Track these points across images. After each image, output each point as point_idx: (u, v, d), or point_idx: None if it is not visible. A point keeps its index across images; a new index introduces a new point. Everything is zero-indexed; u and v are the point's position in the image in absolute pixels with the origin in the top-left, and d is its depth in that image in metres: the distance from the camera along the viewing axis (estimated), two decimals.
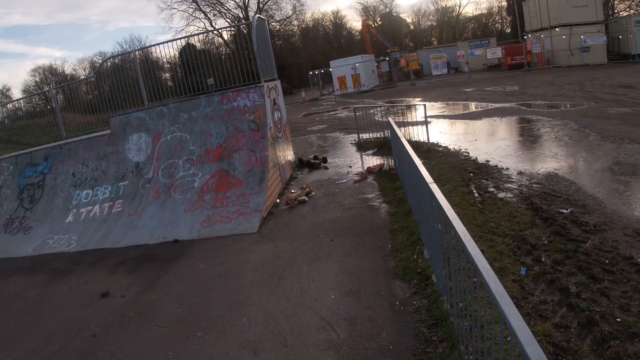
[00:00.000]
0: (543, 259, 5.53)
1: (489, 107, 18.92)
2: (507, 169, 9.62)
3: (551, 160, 9.97)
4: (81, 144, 11.24)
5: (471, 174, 9.40)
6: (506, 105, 18.98)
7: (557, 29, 39.56)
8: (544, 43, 40.34)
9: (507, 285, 4.84)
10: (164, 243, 8.63)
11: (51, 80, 63.74)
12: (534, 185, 8.42)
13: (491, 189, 8.39)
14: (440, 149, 12.16)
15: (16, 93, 64.53)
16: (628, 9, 54.73)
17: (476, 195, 8.13)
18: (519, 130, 13.91)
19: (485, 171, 9.60)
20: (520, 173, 9.23)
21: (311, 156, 13.12)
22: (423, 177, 4.95)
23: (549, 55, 40.33)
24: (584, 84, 23.48)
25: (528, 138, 12.61)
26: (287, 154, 11.81)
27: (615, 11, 53.63)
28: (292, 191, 10.26)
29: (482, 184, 8.70)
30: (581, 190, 7.86)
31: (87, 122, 13.32)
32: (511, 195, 7.99)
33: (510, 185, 8.55)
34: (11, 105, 15.91)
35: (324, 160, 12.64)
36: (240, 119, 10.18)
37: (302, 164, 12.57)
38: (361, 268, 6.00)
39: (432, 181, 4.70)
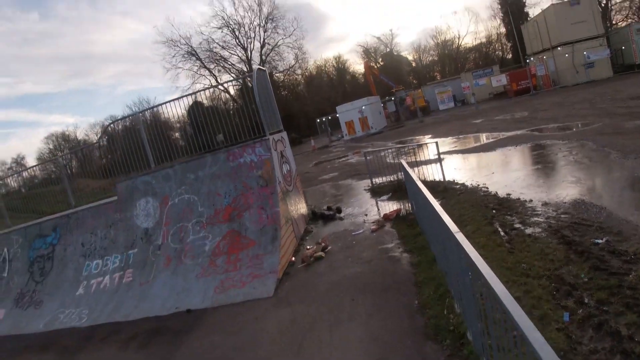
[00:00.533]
0: (586, 300, 5.02)
1: (501, 137, 18.52)
2: (531, 201, 9.11)
3: (575, 186, 9.50)
4: (89, 213, 11.07)
5: (493, 211, 8.88)
6: (518, 132, 18.59)
7: (559, 49, 39.65)
8: (547, 64, 40.30)
9: (552, 337, 4.34)
10: (177, 314, 8.21)
11: (64, 146, 65.34)
12: (562, 215, 7.91)
13: (517, 225, 7.87)
14: (458, 186, 11.67)
15: (30, 161, 66.33)
16: (626, 18, 55.04)
17: (502, 234, 7.61)
18: (535, 157, 13.43)
19: (507, 206, 9.08)
20: (545, 204, 8.72)
21: (325, 207, 12.68)
22: (447, 227, 4.51)
23: (554, 76, 40.25)
24: (594, 101, 23.18)
25: (547, 165, 12.15)
26: (300, 207, 11.42)
27: (613, 22, 53.79)
28: (308, 247, 9.80)
29: (506, 221, 8.18)
30: (613, 216, 7.35)
31: (100, 187, 13.24)
32: (539, 229, 7.47)
33: (536, 218, 8.04)
34: (27, 174, 15.95)
35: (338, 210, 12.17)
36: (248, 175, 9.89)
37: (315, 216, 12.13)
38: (387, 330, 5.48)
39: (458, 230, 4.25)
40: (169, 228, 9.98)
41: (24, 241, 11.47)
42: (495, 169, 12.91)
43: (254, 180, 9.82)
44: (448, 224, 4.52)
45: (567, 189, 9.45)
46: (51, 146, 69.78)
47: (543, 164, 12.36)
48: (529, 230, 7.53)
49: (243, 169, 9.96)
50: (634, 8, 55.47)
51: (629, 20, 53.20)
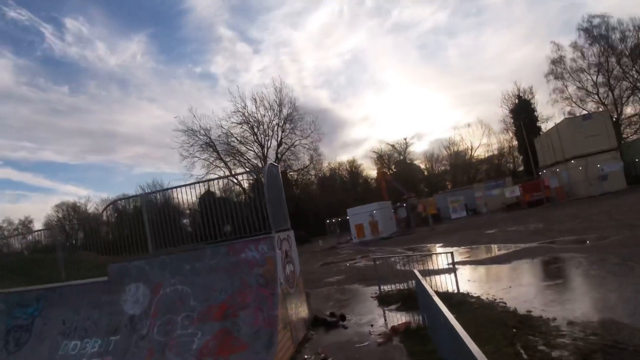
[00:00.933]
0: None
1: (517, 249, 17.76)
2: (554, 319, 8.27)
3: (601, 303, 8.78)
4: (75, 289, 10.47)
5: (514, 330, 7.98)
6: (534, 244, 17.87)
7: (572, 161, 39.99)
8: (561, 176, 40.42)
9: None
10: None
11: (73, 217, 65.72)
12: (591, 337, 7.11)
13: (542, 348, 6.99)
14: (473, 300, 10.74)
15: (37, 226, 67.19)
16: (636, 132, 56.49)
17: (525, 357, 6.73)
18: (555, 271, 12.70)
19: (529, 325, 8.18)
20: (570, 323, 7.90)
21: (327, 313, 11.75)
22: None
23: (568, 188, 40.17)
24: (611, 213, 22.80)
25: (568, 280, 11.45)
26: (300, 311, 10.55)
27: (623, 135, 54.75)
28: (305, 357, 8.81)
29: (529, 342, 7.29)
30: None
31: (99, 263, 12.80)
32: (567, 353, 6.64)
33: (562, 340, 7.20)
34: (31, 237, 15.78)
35: (342, 317, 11.19)
36: (248, 272, 9.24)
37: (317, 321, 11.16)
38: None
39: None
40: (156, 319, 9.24)
41: (4, 307, 10.81)
42: (512, 283, 12.07)
43: (254, 278, 9.18)
44: (477, 356, 3.74)
45: (593, 306, 8.74)
46: (60, 215, 71.14)
47: (564, 278, 11.66)
48: (555, 353, 6.70)
49: (243, 266, 9.35)
50: None
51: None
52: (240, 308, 8.86)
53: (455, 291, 11.38)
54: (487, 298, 10.69)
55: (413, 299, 10.83)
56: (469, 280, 13.34)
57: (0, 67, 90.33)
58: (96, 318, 9.79)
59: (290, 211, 11.45)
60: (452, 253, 11.94)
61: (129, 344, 9.07)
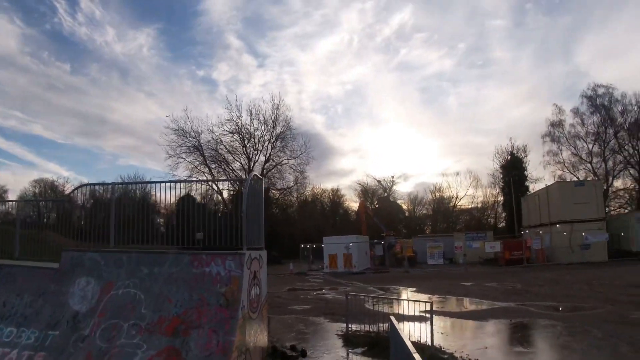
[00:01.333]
0: None
1: (494, 307, 17.07)
2: None
3: None
4: (23, 271, 9.60)
5: None
6: (512, 305, 17.21)
7: (557, 226, 39.79)
8: (543, 239, 40.07)
9: None
10: None
11: (49, 195, 64.13)
12: None
13: None
14: (446, 356, 9.86)
15: (11, 197, 65.40)
16: (621, 207, 57.44)
17: None
18: (534, 337, 12.10)
19: None
20: None
21: (288, 345, 10.77)
22: None
23: (548, 252, 39.79)
24: (592, 283, 22.60)
25: (548, 349, 10.81)
26: (259, 339, 9.56)
27: (607, 208, 55.06)
28: None
29: None
30: None
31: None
32: None
33: None
34: (2, 207, 15.02)
35: (303, 353, 10.17)
36: (209, 289, 8.34)
37: (275, 353, 10.15)
38: None
39: None
40: (101, 321, 8.26)
41: None
42: (488, 343, 11.28)
43: (215, 296, 8.27)
44: None
45: None
46: (37, 190, 69.61)
47: (544, 347, 11.10)
48: None
49: (206, 280, 8.46)
50: (627, 197, 58.38)
51: (625, 210, 55.74)
52: (194, 327, 7.93)
53: (429, 344, 10.48)
54: (462, 357, 9.83)
55: (382, 344, 9.96)
56: (441, 333, 12.44)
57: (9, 32, 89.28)
58: (39, 306, 8.88)
59: (265, 230, 10.60)
60: (431, 303, 11.12)
61: (67, 343, 8.09)
